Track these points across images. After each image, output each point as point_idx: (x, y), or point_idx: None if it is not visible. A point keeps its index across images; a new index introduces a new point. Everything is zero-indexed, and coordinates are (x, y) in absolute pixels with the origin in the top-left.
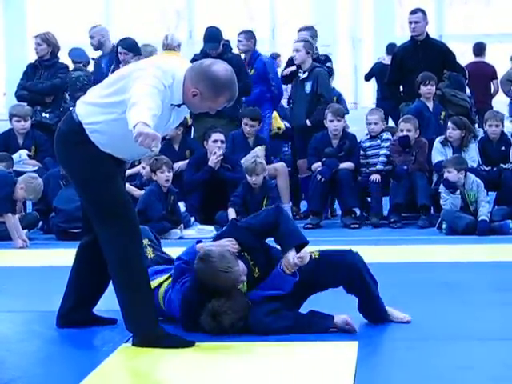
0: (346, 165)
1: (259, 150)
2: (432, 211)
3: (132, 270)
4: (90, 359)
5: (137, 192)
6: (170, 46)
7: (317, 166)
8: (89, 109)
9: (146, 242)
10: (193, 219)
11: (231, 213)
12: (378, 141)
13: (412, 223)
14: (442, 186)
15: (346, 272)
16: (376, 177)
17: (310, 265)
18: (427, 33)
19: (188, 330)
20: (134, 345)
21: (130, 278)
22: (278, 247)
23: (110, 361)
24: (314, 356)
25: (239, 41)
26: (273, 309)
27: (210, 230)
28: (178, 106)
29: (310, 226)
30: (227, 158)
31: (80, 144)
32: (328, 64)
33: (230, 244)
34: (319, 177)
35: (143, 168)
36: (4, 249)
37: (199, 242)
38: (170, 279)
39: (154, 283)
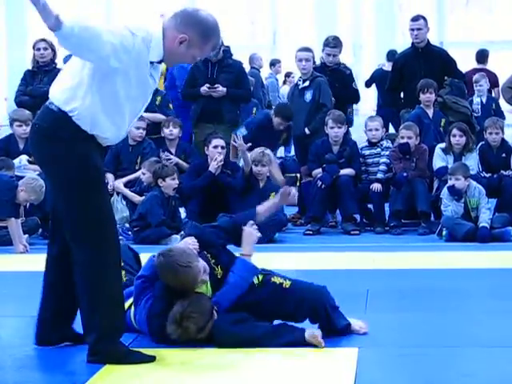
0: (347, 171)
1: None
2: (432, 218)
3: (106, 291)
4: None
5: (136, 198)
6: None
7: (317, 172)
8: (67, 94)
9: None
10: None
11: None
12: (378, 149)
13: (412, 230)
14: (443, 192)
15: (312, 309)
16: (377, 186)
17: (279, 293)
18: (428, 40)
19: (159, 343)
20: (90, 362)
21: (104, 298)
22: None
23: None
24: (313, 363)
25: None
26: (239, 318)
27: None
28: (159, 62)
29: (310, 232)
30: (227, 163)
31: (66, 140)
32: (353, 84)
33: (190, 242)
34: (320, 183)
35: (143, 174)
36: (4, 253)
37: (154, 256)
38: None
39: (126, 304)
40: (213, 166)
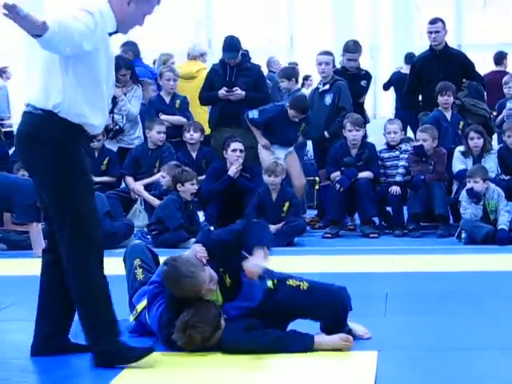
0: (365, 174)
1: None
2: (451, 220)
3: (94, 287)
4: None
5: (156, 202)
6: (192, 56)
7: (336, 175)
8: (45, 92)
9: (137, 262)
10: (212, 228)
11: None
12: (397, 152)
13: (431, 233)
14: (462, 195)
15: (334, 310)
16: (396, 189)
17: (298, 295)
18: (446, 42)
19: (172, 350)
20: (97, 365)
21: (91, 294)
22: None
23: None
24: (333, 366)
25: None
26: (250, 325)
27: None
28: (115, 32)
29: (329, 235)
30: (246, 167)
31: (52, 142)
32: (362, 82)
33: (198, 249)
34: (338, 186)
35: (163, 177)
36: (24, 258)
37: None
38: None
39: (142, 304)
40: (232, 170)
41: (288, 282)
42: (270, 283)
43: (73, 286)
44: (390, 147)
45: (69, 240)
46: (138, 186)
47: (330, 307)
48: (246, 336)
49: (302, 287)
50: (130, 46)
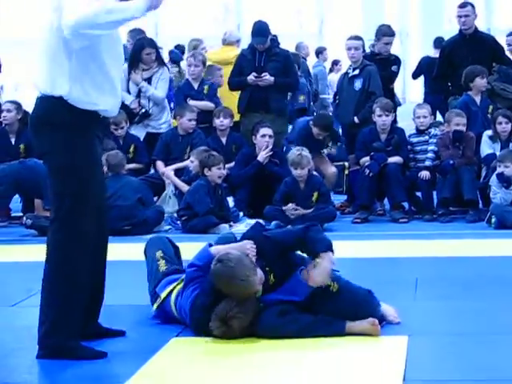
0: (395, 159)
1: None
2: (481, 205)
3: (72, 279)
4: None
5: (185, 188)
6: (228, 42)
7: (365, 160)
8: (52, 80)
9: (159, 254)
10: (241, 214)
11: None
12: (426, 137)
13: (460, 217)
14: (492, 179)
15: (357, 315)
16: (425, 174)
17: (327, 297)
18: (476, 26)
19: (198, 335)
20: (38, 357)
21: (67, 285)
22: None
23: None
24: (363, 351)
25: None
26: (284, 310)
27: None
28: None
29: (359, 220)
30: (275, 152)
31: (65, 126)
32: (393, 68)
33: (249, 247)
34: (367, 171)
35: (192, 162)
36: None
37: (211, 245)
38: (182, 284)
39: (167, 290)
40: (261, 156)
41: None
42: None
43: (49, 270)
44: (420, 132)
45: (60, 224)
46: (167, 171)
47: (352, 314)
48: (280, 321)
49: (332, 288)
50: (136, 33)
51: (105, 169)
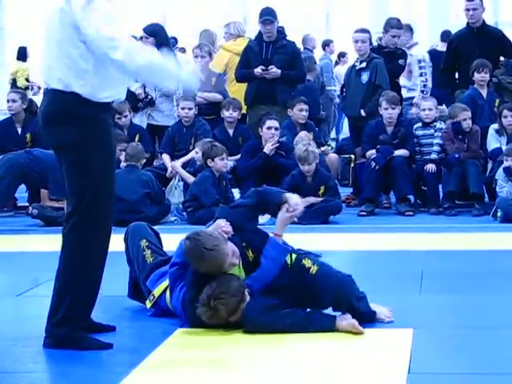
0: (401, 152)
1: (305, 135)
2: (487, 199)
3: (88, 274)
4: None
5: (191, 179)
6: (239, 34)
7: (371, 153)
8: (63, 81)
9: (143, 243)
10: None
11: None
12: (432, 130)
13: (466, 211)
14: (498, 173)
15: (334, 300)
16: (431, 166)
17: (305, 280)
18: (483, 20)
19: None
20: (45, 346)
21: (83, 279)
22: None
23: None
24: (368, 344)
25: None
26: (269, 306)
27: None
28: None
29: (365, 213)
30: (281, 144)
31: (79, 120)
32: (400, 61)
33: (222, 224)
34: (373, 164)
35: (196, 153)
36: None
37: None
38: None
39: (160, 288)
40: (268, 148)
41: (303, 261)
42: (288, 258)
43: (65, 265)
44: (425, 125)
45: (78, 220)
46: (175, 164)
47: (331, 297)
48: (267, 317)
49: (311, 271)
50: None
51: (121, 158)
